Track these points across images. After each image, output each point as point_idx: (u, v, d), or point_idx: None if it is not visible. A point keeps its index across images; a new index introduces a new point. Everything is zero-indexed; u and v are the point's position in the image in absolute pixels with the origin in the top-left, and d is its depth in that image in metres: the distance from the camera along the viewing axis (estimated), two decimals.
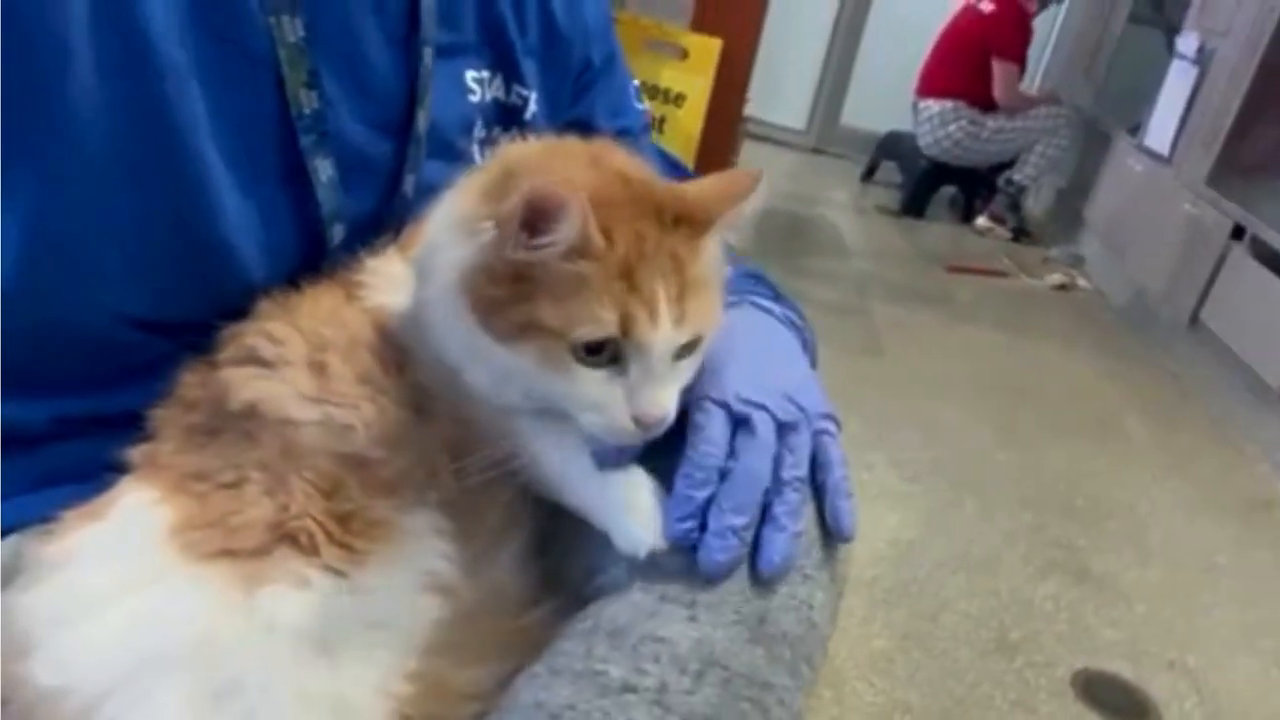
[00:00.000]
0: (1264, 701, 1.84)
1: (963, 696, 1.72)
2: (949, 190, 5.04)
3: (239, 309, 0.70)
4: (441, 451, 0.66)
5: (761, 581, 0.61)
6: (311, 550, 0.61)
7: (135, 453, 0.66)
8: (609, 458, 0.64)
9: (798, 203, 4.79)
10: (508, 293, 0.59)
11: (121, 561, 0.60)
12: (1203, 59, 3.61)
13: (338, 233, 0.76)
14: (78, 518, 0.63)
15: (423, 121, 0.79)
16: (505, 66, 0.88)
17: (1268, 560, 2.33)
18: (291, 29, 0.70)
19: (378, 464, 0.64)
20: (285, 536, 0.61)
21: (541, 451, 0.66)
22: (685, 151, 2.80)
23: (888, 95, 5.24)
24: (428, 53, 0.79)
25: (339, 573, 0.61)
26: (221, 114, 0.68)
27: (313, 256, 0.75)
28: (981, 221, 4.79)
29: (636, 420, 0.61)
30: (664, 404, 0.61)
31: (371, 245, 0.76)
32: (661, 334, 0.60)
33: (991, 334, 3.55)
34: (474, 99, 0.85)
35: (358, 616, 0.60)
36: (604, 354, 0.60)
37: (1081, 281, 4.24)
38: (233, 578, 0.59)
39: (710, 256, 0.64)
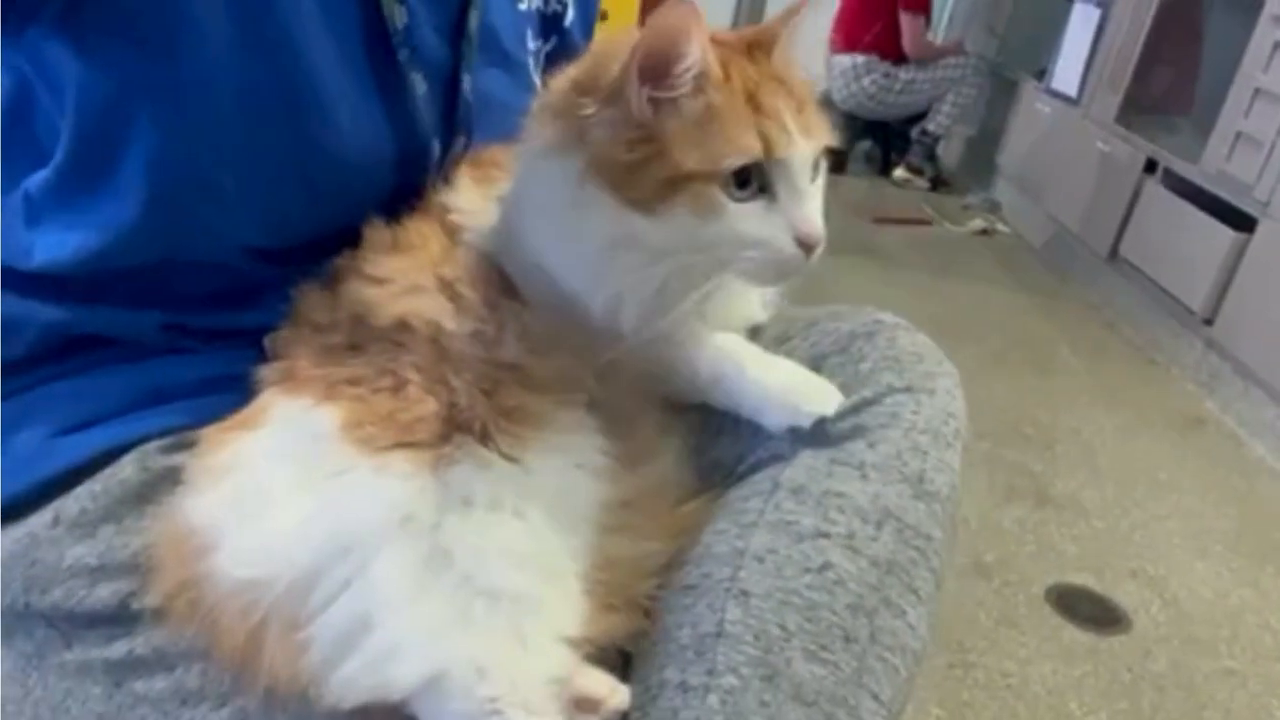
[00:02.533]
0: (1223, 601, 1.96)
1: (948, 617, 1.80)
2: (865, 144, 5.14)
3: (349, 232, 0.72)
4: (580, 361, 0.69)
5: (917, 446, 0.68)
6: (486, 437, 0.63)
7: (268, 370, 0.67)
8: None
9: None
10: (643, 155, 0.62)
11: (295, 460, 0.62)
12: (1104, 1, 3.74)
13: (435, 147, 0.78)
14: (227, 428, 0.65)
15: (474, 21, 0.80)
16: None
17: (1205, 470, 2.47)
18: None
19: (529, 367, 0.67)
20: (459, 427, 0.63)
21: (681, 358, 0.70)
22: None
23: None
24: None
25: (512, 458, 0.63)
26: (327, 32, 0.69)
27: (413, 174, 0.77)
28: (899, 173, 4.91)
29: (800, 242, 0.64)
30: (819, 222, 0.65)
31: (451, 159, 0.78)
32: (798, 146, 0.63)
33: (922, 279, 3.66)
34: (522, 7, 0.88)
35: (538, 493, 0.63)
36: (752, 184, 0.62)
37: (1001, 226, 4.38)
38: (418, 463, 0.61)
39: (805, 82, 0.68)
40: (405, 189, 0.76)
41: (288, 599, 0.58)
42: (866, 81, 4.74)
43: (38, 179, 0.69)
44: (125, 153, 0.66)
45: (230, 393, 0.68)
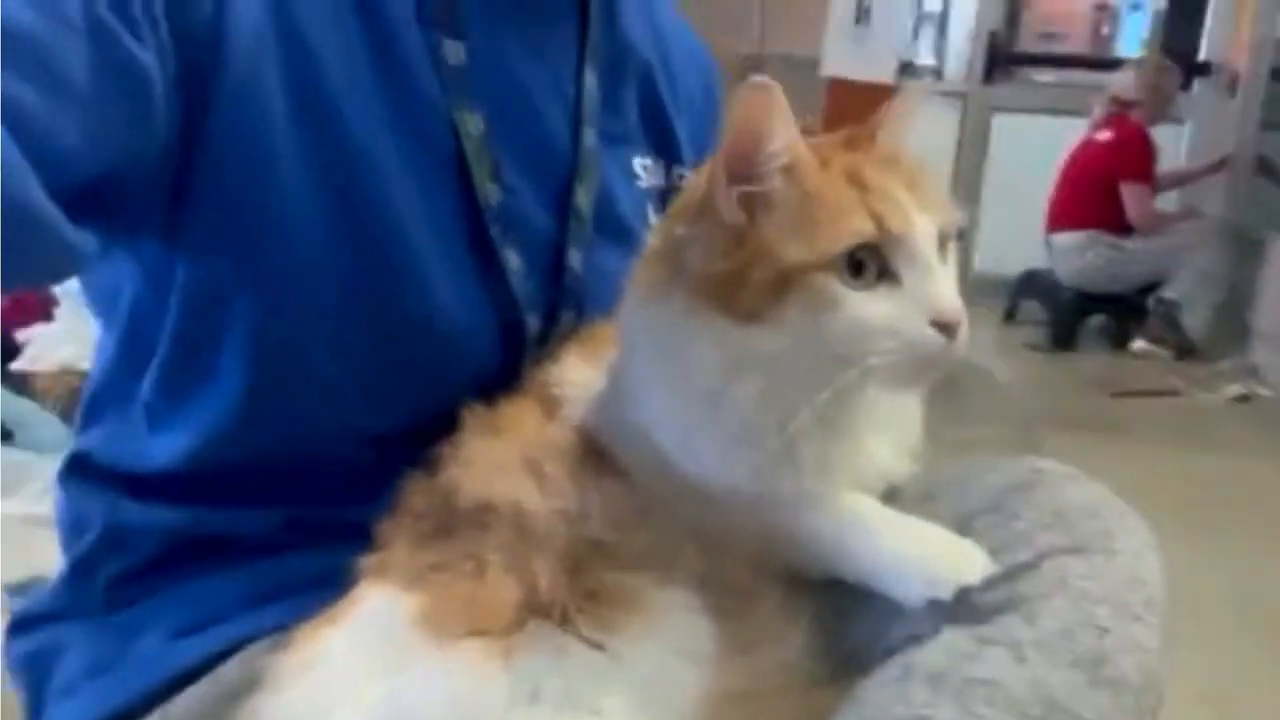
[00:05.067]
0: None
1: None
2: (1097, 319, 4.87)
3: (454, 415, 0.70)
4: (683, 535, 0.63)
5: (1093, 620, 0.56)
6: (565, 621, 0.58)
7: (366, 561, 0.65)
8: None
9: None
10: (743, 259, 0.57)
11: (370, 654, 0.59)
12: None
13: (532, 323, 0.75)
14: (317, 625, 0.62)
15: (582, 197, 0.79)
16: (666, 151, 0.89)
17: None
18: (474, 123, 0.72)
19: (617, 544, 0.62)
20: (536, 611, 0.58)
21: (803, 525, 0.63)
22: None
23: (1016, 237, 5.16)
24: (589, 133, 0.80)
25: (596, 643, 0.58)
26: (418, 209, 0.70)
27: (512, 350, 0.75)
28: (1139, 344, 4.59)
29: (936, 323, 0.56)
30: (956, 299, 0.57)
31: (555, 338, 0.76)
32: (916, 222, 0.56)
33: (1170, 454, 3.32)
34: (642, 184, 0.87)
35: (622, 683, 0.57)
36: (868, 270, 0.56)
37: (1261, 390, 3.98)
38: (488, 652, 0.56)
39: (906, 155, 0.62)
40: (509, 367, 0.74)
41: None
42: (1092, 255, 4.54)
43: (148, 382, 0.71)
44: (225, 346, 0.68)
45: (339, 587, 0.66)
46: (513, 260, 0.74)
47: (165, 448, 0.71)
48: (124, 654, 0.71)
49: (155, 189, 0.63)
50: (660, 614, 0.60)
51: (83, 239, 0.58)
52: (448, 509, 0.64)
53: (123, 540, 0.73)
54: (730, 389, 0.59)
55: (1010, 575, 0.58)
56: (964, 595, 0.58)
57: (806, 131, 0.59)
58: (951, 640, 0.57)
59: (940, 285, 0.57)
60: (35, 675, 0.75)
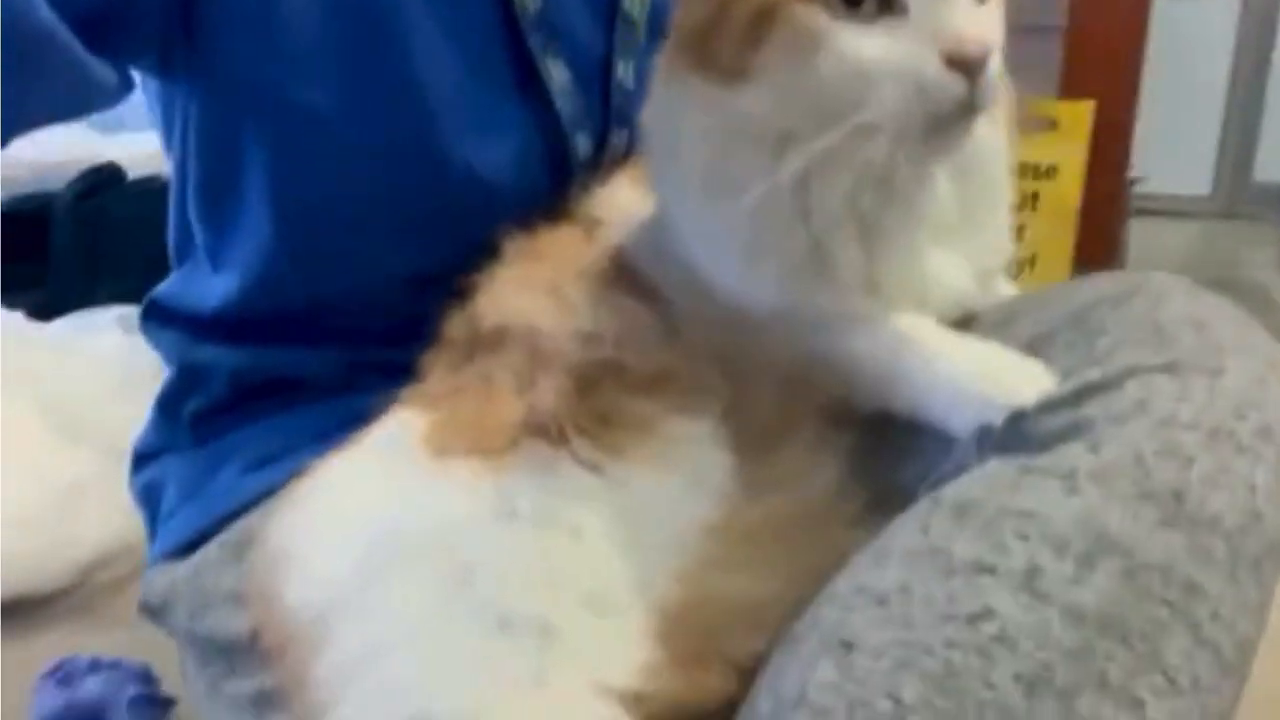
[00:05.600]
0: None
1: None
2: None
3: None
4: (712, 364, 0.57)
5: (1178, 448, 0.45)
6: (561, 441, 0.54)
7: (405, 391, 0.63)
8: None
9: (1214, 272, 4.21)
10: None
11: (376, 473, 0.57)
12: None
13: (581, 143, 0.70)
14: (338, 450, 0.60)
15: (632, 1, 0.72)
16: None
17: None
18: None
19: (632, 367, 0.56)
20: (534, 430, 0.54)
21: (843, 347, 0.55)
22: (1063, 227, 2.57)
23: None
24: None
25: (592, 465, 0.53)
26: (444, 28, 0.66)
27: (559, 174, 0.70)
28: None
29: (951, 58, 0.45)
30: (976, 28, 0.46)
31: (607, 160, 0.71)
32: None
33: None
34: None
35: (613, 508, 0.52)
36: (866, 3, 0.46)
37: None
38: (479, 469, 0.53)
39: None
40: (557, 195, 0.69)
41: (326, 618, 0.51)
42: None
43: (195, 221, 0.72)
44: (246, 188, 0.67)
45: None
46: (556, 74, 0.69)
47: (220, 288, 0.71)
48: (208, 484, 0.73)
49: (162, 15, 0.62)
50: (672, 442, 0.54)
51: (102, 67, 0.58)
52: (474, 334, 0.61)
53: (197, 379, 0.74)
54: (728, 170, 0.51)
55: (1078, 397, 0.48)
56: (1017, 420, 0.48)
57: None
58: (995, 469, 0.48)
59: (955, 11, 0.46)
60: (149, 507, 0.78)
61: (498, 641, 0.47)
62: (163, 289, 0.77)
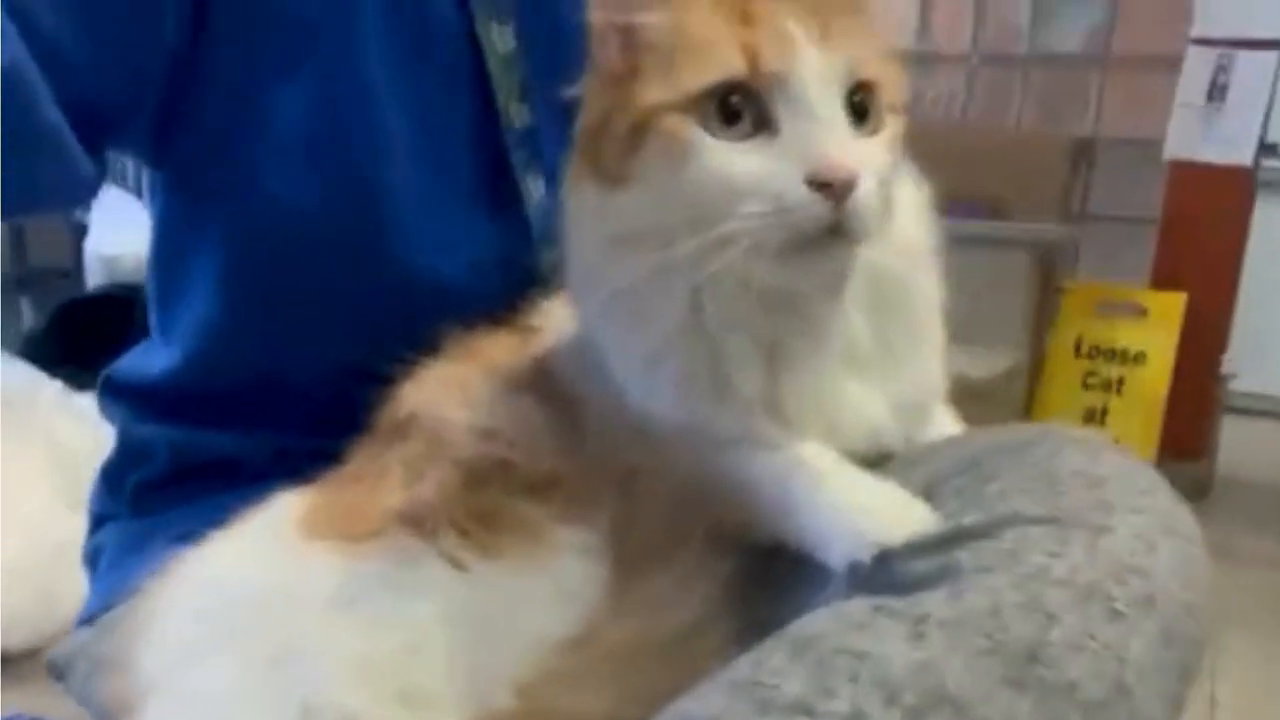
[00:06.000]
0: None
1: None
2: None
3: None
4: (608, 477, 0.55)
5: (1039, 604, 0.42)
6: (429, 535, 0.52)
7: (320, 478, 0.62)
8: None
9: None
10: (609, 104, 0.49)
11: (242, 552, 0.56)
12: None
13: (547, 256, 0.70)
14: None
15: None
16: None
17: None
18: (502, 38, 0.68)
19: (523, 467, 0.55)
20: (406, 520, 0.53)
21: (735, 469, 0.52)
22: (1148, 415, 2.48)
23: None
24: None
25: (456, 562, 0.51)
26: (420, 137, 0.66)
27: (520, 284, 0.69)
28: None
29: (814, 179, 0.44)
30: (843, 149, 0.45)
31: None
32: (805, 58, 0.45)
33: None
34: None
35: (467, 608, 0.50)
36: (744, 119, 0.46)
37: None
38: (336, 555, 0.52)
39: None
40: (516, 297, 0.68)
41: (153, 687, 0.50)
42: None
43: (150, 293, 0.73)
44: (196, 269, 0.68)
45: None
46: (534, 190, 0.69)
47: (162, 361, 0.72)
48: (135, 555, 0.72)
49: (149, 108, 0.64)
50: (549, 549, 0.52)
51: (88, 163, 0.60)
52: (391, 422, 0.60)
53: (138, 453, 0.74)
54: (618, 274, 0.50)
55: (949, 541, 0.45)
56: (885, 560, 0.45)
57: None
58: (848, 607, 0.45)
59: (826, 135, 0.45)
60: (90, 570, 0.78)
61: None
62: (118, 363, 0.78)
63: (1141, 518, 0.45)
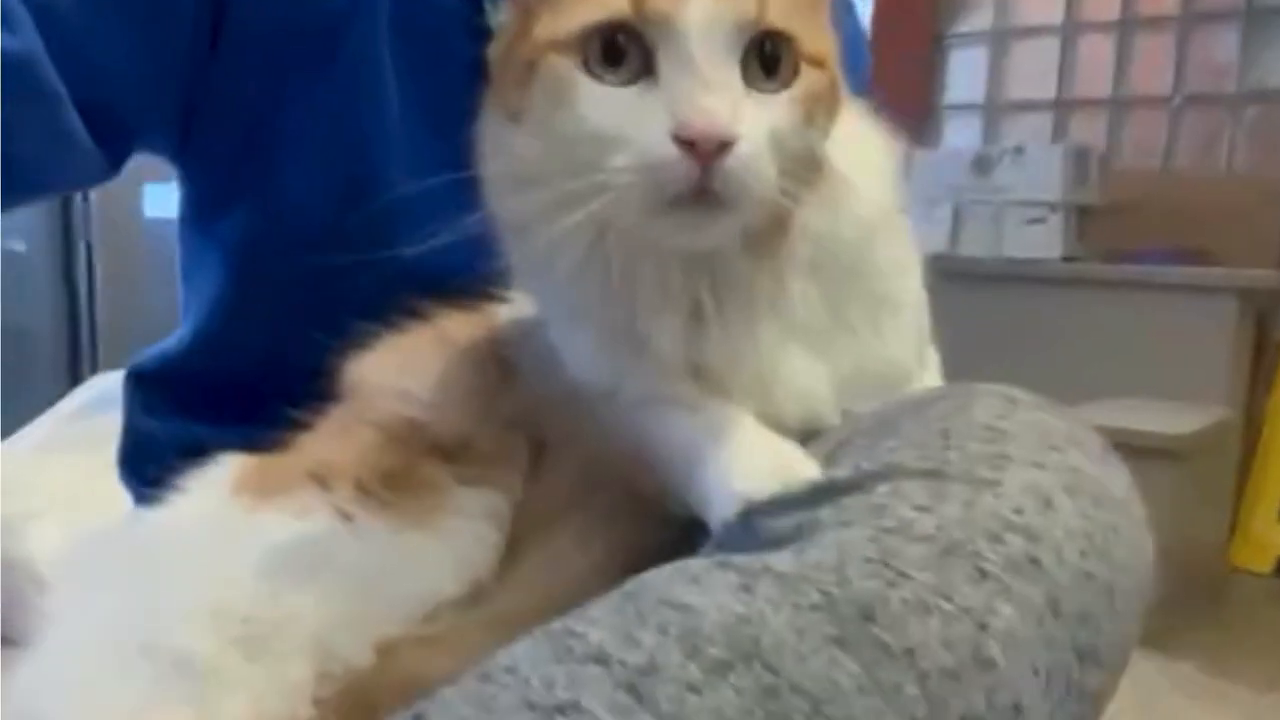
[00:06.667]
0: None
1: None
2: None
3: None
4: (524, 449, 0.54)
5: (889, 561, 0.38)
6: (326, 490, 0.51)
7: None
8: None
9: None
10: (513, 34, 0.47)
11: (178, 504, 0.56)
12: None
13: None
14: None
15: None
16: None
17: None
18: None
19: (435, 430, 0.53)
20: (312, 476, 0.52)
21: (641, 424, 0.50)
22: None
23: None
24: None
25: (346, 517, 0.50)
26: (427, 132, 0.67)
27: None
28: None
29: (677, 134, 0.40)
30: (716, 107, 0.41)
31: None
32: (694, 1, 0.41)
33: None
34: None
35: (348, 566, 0.48)
36: (628, 62, 0.42)
37: None
38: (242, 506, 0.52)
39: None
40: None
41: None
42: None
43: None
44: (211, 254, 0.71)
45: None
46: None
47: (174, 341, 0.74)
48: None
49: (169, 113, 0.67)
50: (447, 513, 0.50)
51: (92, 150, 0.62)
52: (340, 388, 0.60)
53: (143, 447, 0.75)
54: (509, 210, 0.48)
55: (818, 497, 0.40)
56: (748, 516, 0.41)
57: None
58: (693, 563, 0.40)
59: (701, 91, 0.41)
60: None
61: (133, 664, 0.43)
62: (140, 354, 0.79)
63: (1042, 473, 0.39)
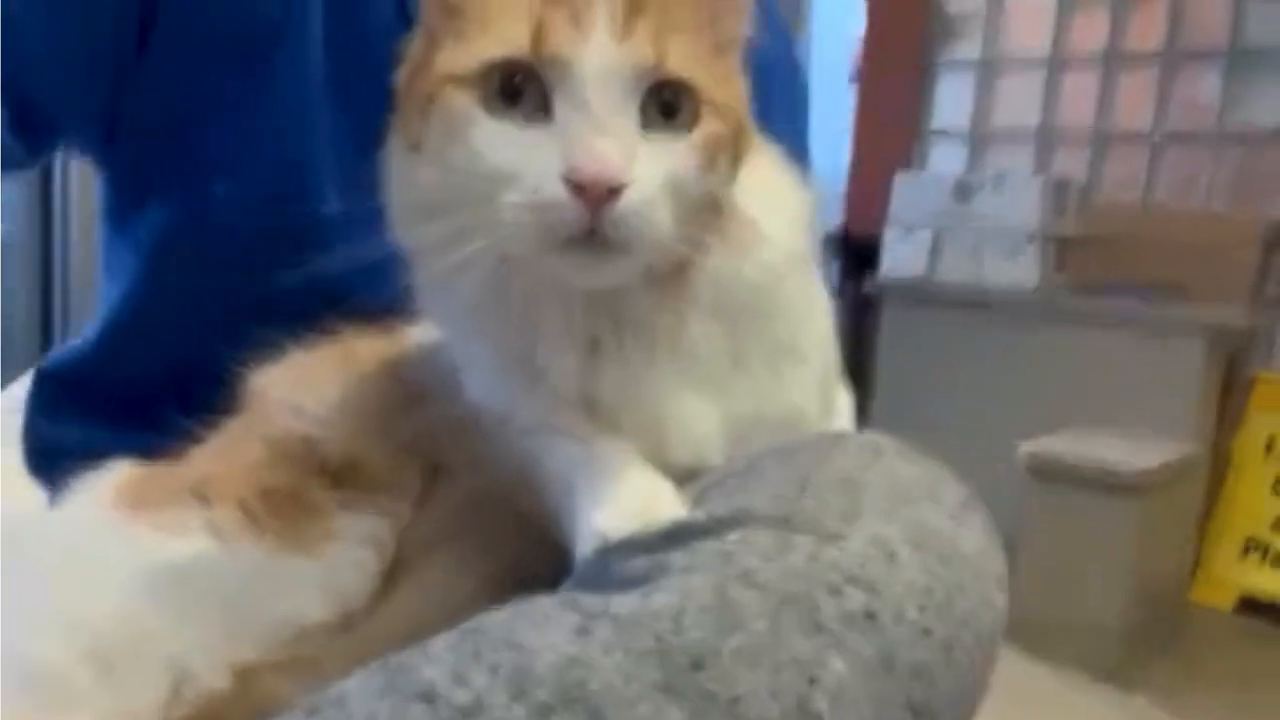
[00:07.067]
0: None
1: None
2: None
3: None
4: (417, 475, 0.54)
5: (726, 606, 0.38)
6: (205, 506, 0.51)
7: None
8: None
9: None
10: (416, 62, 0.47)
11: (63, 510, 0.57)
12: None
13: None
14: None
15: None
16: None
17: None
18: None
19: (325, 450, 0.53)
20: (195, 494, 0.52)
21: (527, 452, 0.50)
22: None
23: None
24: None
25: (219, 534, 0.50)
26: (350, 141, 0.67)
27: None
28: None
29: (569, 179, 0.41)
30: (607, 152, 0.41)
31: None
32: (593, 45, 0.42)
33: None
34: None
35: (212, 584, 0.48)
36: (525, 100, 0.43)
37: None
38: (118, 521, 0.51)
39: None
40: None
41: None
42: None
43: None
44: (129, 243, 0.70)
45: None
46: None
47: (84, 337, 0.74)
48: None
49: (94, 109, 0.66)
50: (326, 537, 0.50)
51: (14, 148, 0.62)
52: (237, 400, 0.60)
53: (44, 449, 0.75)
54: (409, 238, 0.48)
55: (672, 540, 0.40)
56: (603, 555, 0.42)
57: None
58: (541, 601, 0.40)
59: (594, 135, 0.41)
60: None
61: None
62: (50, 354, 0.79)
63: (890, 528, 0.40)
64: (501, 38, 0.43)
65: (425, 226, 0.46)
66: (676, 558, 0.40)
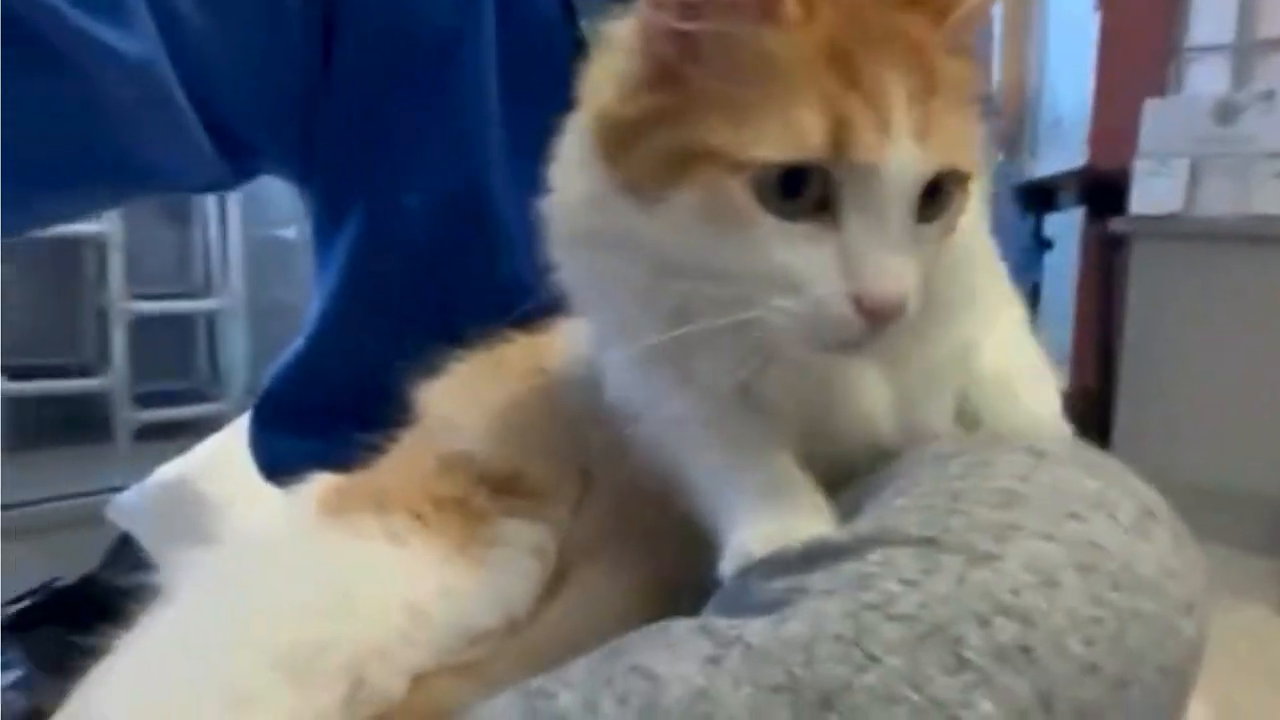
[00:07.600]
0: None
1: None
2: None
3: None
4: (575, 481, 0.54)
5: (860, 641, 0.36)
6: (383, 513, 0.52)
7: None
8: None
9: None
10: (650, 107, 0.41)
11: (271, 517, 0.61)
12: None
13: None
14: None
15: None
16: None
17: None
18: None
19: (485, 462, 0.54)
20: (376, 502, 0.54)
21: (681, 452, 0.48)
22: None
23: None
24: None
25: (398, 541, 0.51)
26: (523, 140, 0.66)
27: None
28: None
29: (858, 301, 0.38)
30: (899, 274, 0.39)
31: None
32: (896, 152, 0.38)
33: None
34: None
35: (390, 591, 0.49)
36: (806, 195, 0.39)
37: None
38: (312, 527, 0.54)
39: (960, 65, 0.41)
40: None
41: None
42: None
43: None
44: (332, 254, 0.73)
45: None
46: None
47: (289, 354, 0.77)
48: None
49: (289, 127, 0.70)
50: (493, 544, 0.51)
51: (216, 160, 0.65)
52: (415, 413, 0.61)
53: (263, 461, 0.79)
54: (603, 264, 0.45)
55: (812, 560, 0.38)
56: (744, 575, 0.40)
57: None
58: (678, 624, 0.40)
59: (885, 251, 0.39)
60: None
61: (187, 685, 0.46)
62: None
63: (1050, 546, 0.36)
64: (794, 135, 0.38)
65: (625, 267, 0.44)
66: (816, 580, 0.38)
